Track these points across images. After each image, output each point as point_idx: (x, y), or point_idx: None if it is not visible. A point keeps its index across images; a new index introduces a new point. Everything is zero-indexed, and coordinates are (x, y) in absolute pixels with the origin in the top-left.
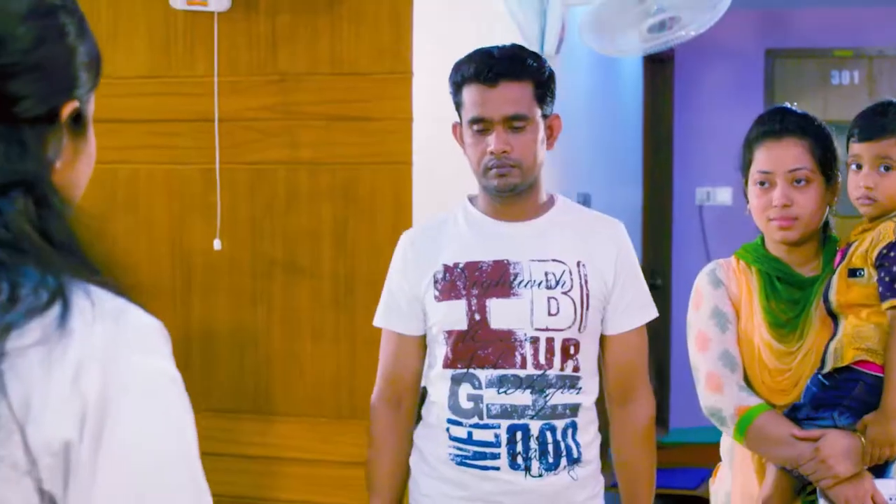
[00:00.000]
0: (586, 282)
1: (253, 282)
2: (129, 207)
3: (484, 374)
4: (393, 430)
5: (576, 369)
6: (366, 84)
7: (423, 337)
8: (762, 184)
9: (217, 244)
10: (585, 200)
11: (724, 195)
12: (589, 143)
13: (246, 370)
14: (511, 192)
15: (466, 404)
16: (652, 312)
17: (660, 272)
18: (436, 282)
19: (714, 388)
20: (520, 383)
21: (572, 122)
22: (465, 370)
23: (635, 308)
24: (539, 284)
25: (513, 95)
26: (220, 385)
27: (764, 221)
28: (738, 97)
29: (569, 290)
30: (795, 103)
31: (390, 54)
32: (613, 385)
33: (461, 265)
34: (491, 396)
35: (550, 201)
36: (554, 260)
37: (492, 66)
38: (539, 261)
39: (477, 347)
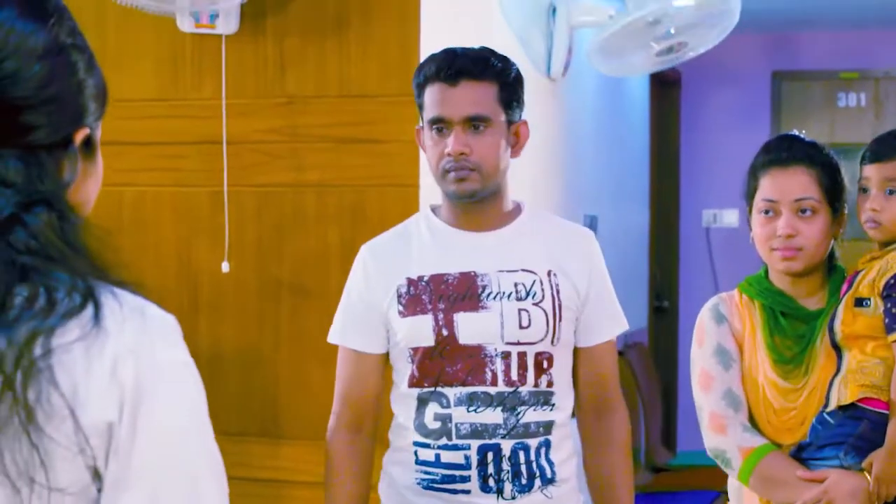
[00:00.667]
0: (558, 292)
1: (260, 304)
2: (136, 229)
3: (452, 392)
4: (354, 457)
5: (549, 384)
6: (373, 106)
7: (385, 355)
8: (766, 212)
9: (225, 266)
10: (592, 223)
11: (730, 217)
12: (596, 165)
13: (253, 392)
14: (470, 199)
15: (433, 424)
16: (623, 324)
17: (667, 294)
18: (399, 296)
19: (717, 429)
20: (490, 401)
21: (578, 145)
22: (432, 389)
23: (608, 319)
24: (509, 296)
25: (474, 95)
26: (228, 408)
27: (767, 251)
28: (744, 119)
29: (540, 301)
30: (804, 131)
31: (398, 77)
32: (588, 399)
33: (426, 278)
34: (460, 415)
35: (517, 209)
36: (523, 270)
37: (452, 64)
38: (508, 271)
39: (445, 364)
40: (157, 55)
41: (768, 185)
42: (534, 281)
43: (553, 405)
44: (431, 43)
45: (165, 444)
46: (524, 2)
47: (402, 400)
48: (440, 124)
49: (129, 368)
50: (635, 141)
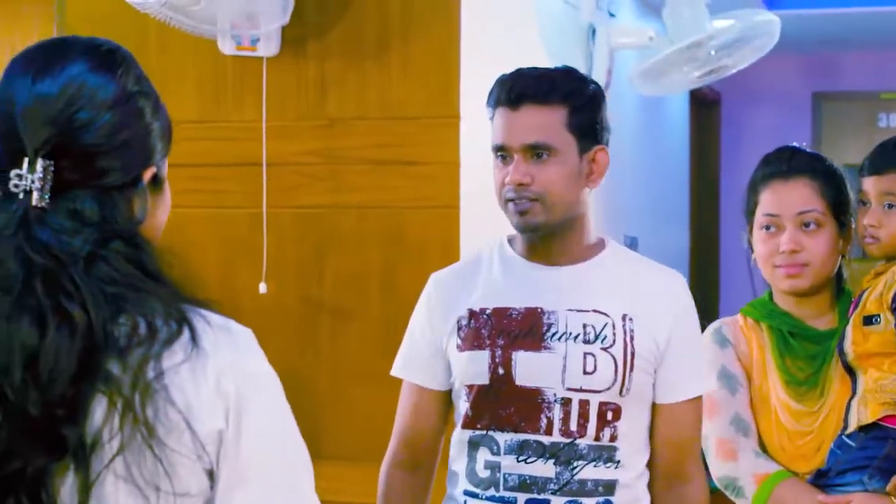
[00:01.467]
0: (632, 338)
1: (300, 325)
2: (177, 251)
3: (503, 438)
4: (404, 496)
5: (613, 439)
6: (414, 128)
7: (448, 393)
8: (768, 228)
9: (263, 287)
10: (632, 244)
11: None
12: (636, 186)
13: (294, 413)
14: (535, 233)
15: (483, 472)
16: (709, 383)
17: (708, 316)
18: (459, 329)
19: (727, 456)
20: (542, 451)
21: (619, 166)
22: (483, 432)
23: (692, 376)
24: (575, 338)
25: (536, 121)
26: None
27: (770, 269)
28: (784, 140)
29: (609, 346)
30: (805, 143)
31: (438, 99)
32: (661, 462)
33: (488, 311)
34: (509, 465)
35: (599, 245)
36: (595, 311)
37: (514, 87)
38: (578, 311)
39: (498, 406)
40: (199, 77)
41: (769, 200)
42: (605, 324)
43: (617, 462)
44: (472, 65)
45: (265, 443)
46: (564, 24)
47: (457, 443)
48: (502, 152)
49: (230, 382)
50: (675, 162)
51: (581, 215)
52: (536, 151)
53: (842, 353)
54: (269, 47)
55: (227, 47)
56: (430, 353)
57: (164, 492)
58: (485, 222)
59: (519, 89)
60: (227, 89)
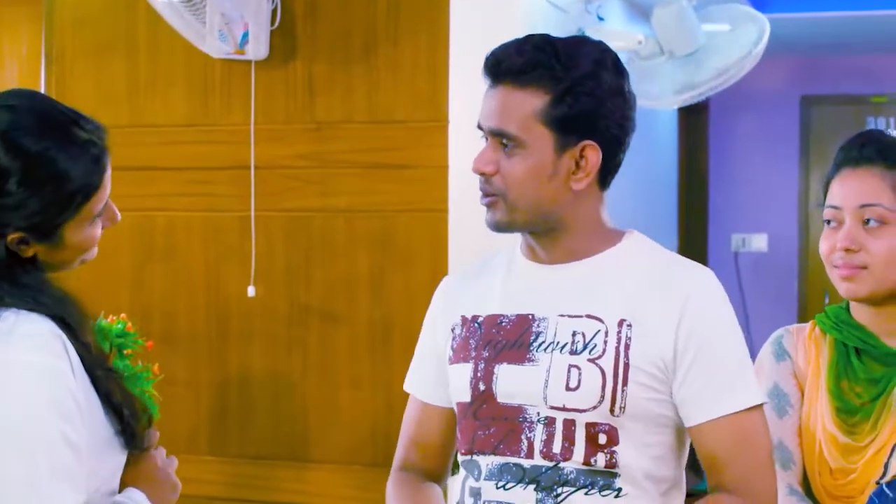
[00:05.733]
0: (627, 347)
1: (289, 329)
2: (167, 254)
3: (485, 462)
4: (414, 494)
5: (611, 465)
6: (402, 132)
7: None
8: (829, 222)
9: (251, 291)
10: None
11: (759, 242)
12: (624, 190)
13: (282, 417)
14: (502, 231)
15: (468, 501)
16: (748, 399)
17: None
18: (453, 338)
19: None
20: (522, 476)
21: None
22: (468, 456)
23: (722, 389)
24: (562, 348)
25: (506, 104)
26: (257, 432)
27: (830, 269)
28: (773, 144)
29: (598, 358)
30: (893, 129)
31: (427, 103)
32: (716, 492)
33: (480, 319)
34: (489, 491)
35: (614, 239)
36: (588, 316)
37: (497, 59)
38: (570, 316)
39: (479, 426)
40: (188, 81)
41: (834, 190)
42: (597, 331)
43: (618, 491)
44: (460, 69)
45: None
46: (553, 27)
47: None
48: (482, 133)
49: None
50: (664, 166)
51: (573, 215)
52: (501, 140)
53: None
54: (257, 51)
55: (215, 51)
56: (435, 366)
57: None
58: (474, 226)
59: (499, 63)
60: (215, 93)
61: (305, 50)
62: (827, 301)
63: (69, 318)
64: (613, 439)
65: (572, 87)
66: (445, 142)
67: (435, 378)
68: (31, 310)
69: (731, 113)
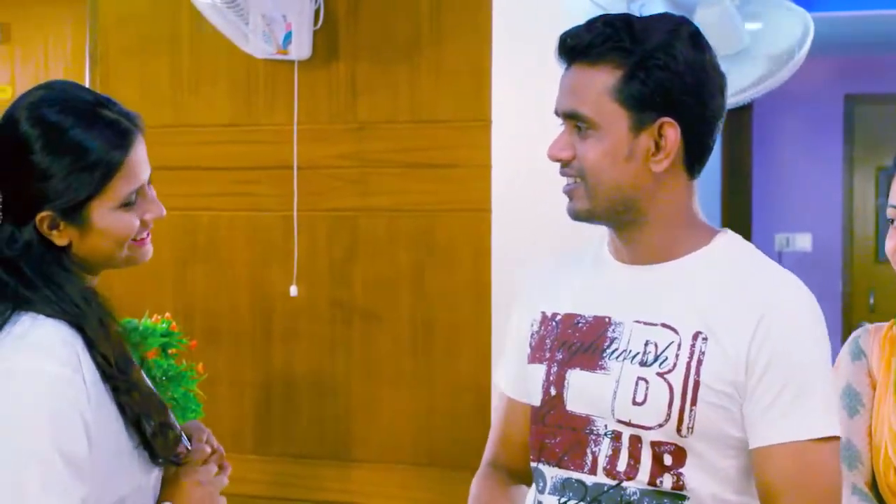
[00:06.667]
0: (699, 363)
1: (332, 328)
2: (210, 253)
3: (550, 475)
4: (496, 493)
5: (679, 487)
6: (445, 132)
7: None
8: (892, 221)
9: (293, 290)
10: None
11: (803, 241)
12: None
13: (325, 416)
14: (584, 221)
15: None
16: (826, 427)
17: None
18: (532, 334)
19: None
20: (583, 493)
21: None
22: (535, 464)
23: (785, 411)
24: (633, 357)
25: (578, 84)
26: (300, 431)
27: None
28: (816, 143)
29: (667, 372)
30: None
31: (469, 102)
32: None
33: (559, 317)
34: None
35: (704, 239)
36: (664, 325)
37: (567, 39)
38: (645, 324)
39: (546, 434)
40: (231, 81)
41: (894, 188)
42: (671, 343)
43: None
44: (502, 68)
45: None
46: None
47: None
48: (559, 118)
49: None
50: (707, 165)
51: (655, 203)
52: (575, 123)
53: None
54: (300, 51)
55: (258, 51)
56: (517, 359)
57: None
58: (516, 225)
59: (569, 42)
60: (258, 93)
61: (348, 50)
62: (872, 301)
63: (88, 327)
64: (680, 460)
65: (644, 61)
66: (488, 141)
67: (517, 372)
68: (49, 315)
69: (775, 112)
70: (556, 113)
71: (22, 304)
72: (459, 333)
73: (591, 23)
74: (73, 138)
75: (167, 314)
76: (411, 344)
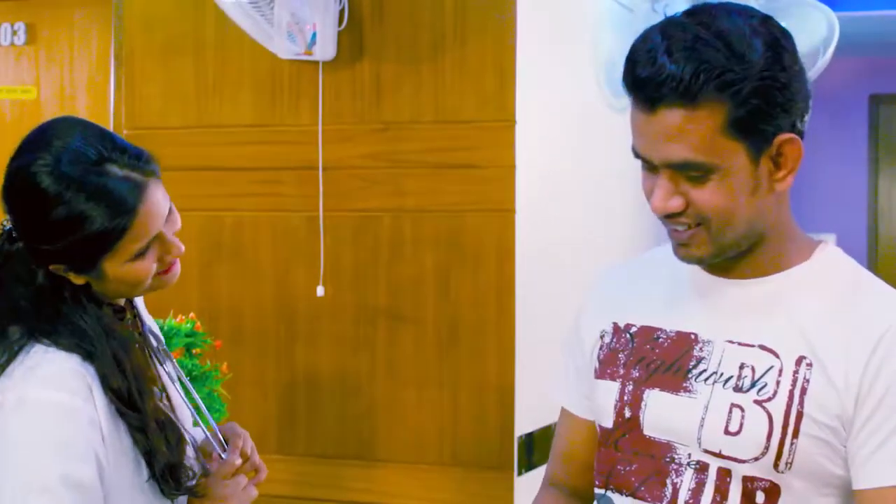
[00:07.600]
0: (803, 392)
1: (356, 329)
2: (235, 254)
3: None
4: None
5: None
6: (469, 132)
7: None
8: None
9: (320, 291)
10: None
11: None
12: None
13: (349, 417)
14: (704, 264)
15: None
16: None
17: None
18: (601, 347)
19: None
20: None
21: None
22: (603, 490)
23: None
24: (726, 381)
25: (679, 130)
26: (325, 431)
27: None
28: (841, 143)
29: (766, 400)
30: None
31: (494, 102)
32: None
33: (634, 329)
34: None
35: (804, 253)
36: (762, 347)
37: (648, 80)
38: (739, 344)
39: (618, 459)
40: (255, 82)
41: None
42: (770, 367)
43: None
44: (527, 68)
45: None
46: (619, 26)
47: None
48: (641, 160)
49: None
50: None
51: (774, 222)
52: (687, 173)
53: None
54: (325, 51)
55: (283, 51)
56: (579, 372)
57: None
58: (542, 226)
59: (653, 84)
60: (283, 93)
61: (373, 50)
62: None
63: (99, 364)
64: (773, 498)
65: (757, 86)
66: (513, 141)
67: (578, 386)
68: (62, 348)
69: None
70: (645, 159)
71: (37, 333)
72: (484, 334)
73: (676, 57)
74: (73, 211)
75: (192, 314)
76: (436, 344)
